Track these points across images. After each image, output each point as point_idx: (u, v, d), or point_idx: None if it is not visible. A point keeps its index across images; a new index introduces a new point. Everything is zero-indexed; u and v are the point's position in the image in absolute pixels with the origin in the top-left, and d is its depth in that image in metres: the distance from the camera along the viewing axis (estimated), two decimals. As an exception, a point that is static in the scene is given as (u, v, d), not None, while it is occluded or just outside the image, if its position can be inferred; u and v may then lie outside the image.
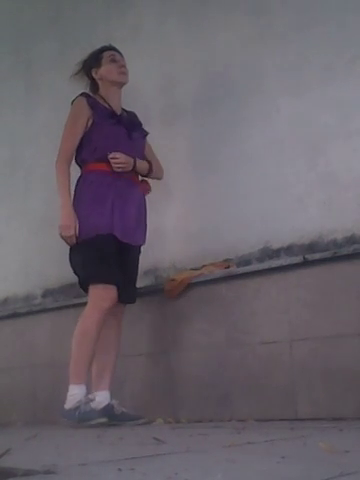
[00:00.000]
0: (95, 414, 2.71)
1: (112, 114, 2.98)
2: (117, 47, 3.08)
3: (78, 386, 2.77)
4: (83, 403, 2.73)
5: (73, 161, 2.98)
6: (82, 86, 3.06)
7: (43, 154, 3.82)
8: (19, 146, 4.08)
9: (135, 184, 2.99)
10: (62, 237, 2.85)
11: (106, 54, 3.03)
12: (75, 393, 2.76)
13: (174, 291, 2.99)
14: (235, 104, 3.09)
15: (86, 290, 2.88)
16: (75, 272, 2.93)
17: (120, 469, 1.30)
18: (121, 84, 3.03)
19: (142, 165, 3.01)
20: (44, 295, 3.78)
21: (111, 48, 3.07)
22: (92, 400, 2.75)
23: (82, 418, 2.69)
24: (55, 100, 3.82)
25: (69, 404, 2.75)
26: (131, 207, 2.92)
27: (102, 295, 2.82)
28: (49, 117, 3.86)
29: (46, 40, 3.99)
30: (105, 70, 3.02)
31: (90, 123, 2.94)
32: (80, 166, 2.99)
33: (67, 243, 2.87)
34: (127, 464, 1.39)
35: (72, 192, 2.92)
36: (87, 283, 2.86)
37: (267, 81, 2.99)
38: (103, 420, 2.70)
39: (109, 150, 2.90)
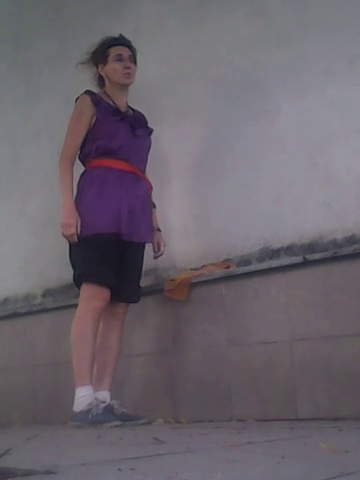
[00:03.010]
0: (109, 416, 2.67)
1: (116, 111, 2.96)
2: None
3: (85, 388, 2.76)
4: (94, 405, 2.70)
5: (76, 158, 2.97)
6: (84, 80, 3.04)
7: (43, 154, 3.82)
8: (19, 146, 4.07)
9: (140, 179, 2.98)
10: (63, 235, 2.85)
11: (113, 51, 2.99)
12: (84, 395, 2.74)
13: (181, 293, 2.98)
14: (235, 104, 3.09)
15: (79, 286, 2.88)
16: (72, 267, 2.93)
17: (120, 469, 1.30)
18: (124, 85, 3.02)
19: None
20: (44, 295, 3.78)
21: (120, 42, 3.02)
22: (104, 402, 2.73)
23: (96, 420, 2.65)
24: (55, 99, 3.82)
25: (79, 406, 2.73)
26: (137, 203, 2.91)
27: (94, 294, 2.81)
28: (49, 117, 3.86)
29: (46, 40, 3.98)
30: (110, 69, 2.99)
31: (94, 120, 2.92)
32: (83, 162, 2.98)
33: (69, 241, 2.87)
34: (127, 464, 1.39)
35: (74, 188, 2.91)
36: (80, 280, 2.86)
37: (267, 81, 2.98)
38: (117, 423, 2.65)
39: (113, 146, 2.89)
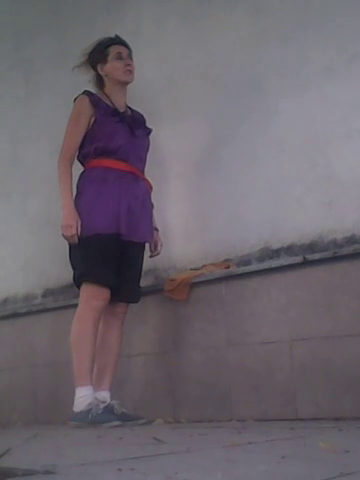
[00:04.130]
0: (109, 416, 2.67)
1: (115, 112, 2.96)
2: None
3: (85, 388, 2.76)
4: (94, 405, 2.70)
5: (75, 159, 2.98)
6: (84, 79, 3.05)
7: (43, 153, 3.82)
8: (19, 146, 4.07)
9: (139, 179, 2.98)
10: (64, 236, 2.85)
11: (112, 49, 3.00)
12: (84, 395, 2.74)
13: (181, 293, 2.98)
14: (235, 104, 3.09)
15: (79, 287, 2.88)
16: (72, 267, 2.93)
17: (120, 469, 1.30)
18: (126, 83, 3.03)
19: None
20: (44, 295, 3.78)
21: (118, 42, 3.03)
22: (104, 402, 2.73)
23: (95, 420, 2.65)
24: (55, 99, 3.82)
25: (79, 407, 2.73)
26: (136, 203, 2.91)
27: (94, 294, 2.82)
28: (49, 116, 3.86)
29: (46, 38, 3.99)
30: (110, 67, 3.00)
31: (92, 121, 2.93)
32: (82, 162, 2.99)
33: (69, 242, 2.87)
34: (127, 464, 1.39)
35: (74, 188, 2.91)
36: (80, 280, 2.86)
37: (267, 81, 2.98)
38: (117, 423, 2.66)
39: (111, 147, 2.90)
